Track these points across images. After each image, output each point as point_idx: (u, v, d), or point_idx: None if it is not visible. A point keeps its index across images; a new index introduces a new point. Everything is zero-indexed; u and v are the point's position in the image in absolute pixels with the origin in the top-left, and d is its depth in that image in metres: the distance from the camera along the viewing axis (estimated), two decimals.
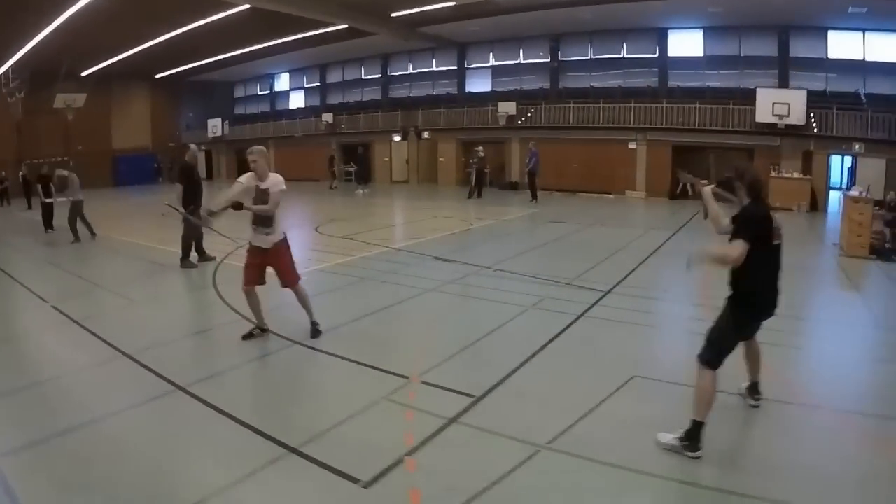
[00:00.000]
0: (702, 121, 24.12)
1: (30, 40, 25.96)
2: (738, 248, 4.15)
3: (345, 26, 26.38)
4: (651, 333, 7.55)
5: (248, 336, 7.00)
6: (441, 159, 31.70)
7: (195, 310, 9.23)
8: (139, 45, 29.54)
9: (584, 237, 14.92)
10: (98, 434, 4.82)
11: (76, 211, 15.14)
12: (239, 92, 46.49)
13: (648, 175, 25.66)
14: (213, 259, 11.81)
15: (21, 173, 28.21)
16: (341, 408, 5.19)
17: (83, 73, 34.68)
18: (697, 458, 4.15)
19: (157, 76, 40.02)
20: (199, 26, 25.84)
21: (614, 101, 26.55)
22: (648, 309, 8.46)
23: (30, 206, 26.06)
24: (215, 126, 40.15)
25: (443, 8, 24.14)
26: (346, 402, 5.34)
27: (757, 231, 4.21)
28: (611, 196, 25.28)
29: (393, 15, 25.78)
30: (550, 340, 6.92)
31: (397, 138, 32.62)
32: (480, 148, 25.51)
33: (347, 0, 24.05)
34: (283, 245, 6.70)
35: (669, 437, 4.29)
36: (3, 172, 30.04)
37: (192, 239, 11.56)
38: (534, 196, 22.23)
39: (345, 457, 4.32)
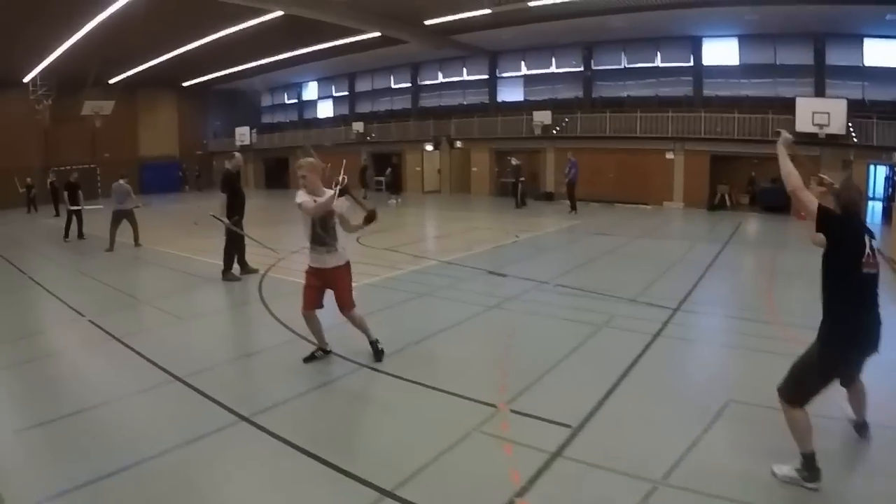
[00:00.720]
0: (740, 130, 23.44)
1: (58, 47, 25.82)
2: (810, 205, 3.87)
3: (377, 34, 26.05)
4: (735, 354, 6.88)
5: (310, 358, 6.43)
6: (474, 169, 31.08)
7: (245, 327, 8.57)
8: (167, 53, 29.34)
9: (633, 250, 14.22)
10: (157, 473, 4.20)
11: (130, 219, 14.97)
12: (266, 100, 46.03)
13: (686, 185, 25.01)
14: (255, 271, 11.21)
15: (49, 180, 27.65)
16: (430, 441, 4.61)
17: (110, 81, 34.50)
18: (815, 489, 3.80)
19: (184, 84, 39.73)
20: (228, 35, 25.58)
21: (650, 110, 25.93)
22: (724, 327, 8.01)
23: (57, 214, 25.76)
24: (243, 134, 39.83)
25: (478, 16, 23.61)
26: (433, 434, 4.76)
27: (836, 231, 3.81)
28: (648, 207, 24.57)
29: (427, 23, 25.32)
30: (634, 362, 6.34)
31: (429, 148, 32.01)
32: (515, 157, 24.47)
33: (381, 8, 23.74)
34: (346, 268, 6.19)
35: (786, 469, 3.93)
36: (30, 179, 29.66)
37: (235, 251, 10.96)
38: (573, 207, 21.55)
39: (450, 501, 3.78)
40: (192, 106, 42.44)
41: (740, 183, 24.90)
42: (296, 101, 43.60)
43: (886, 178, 24.18)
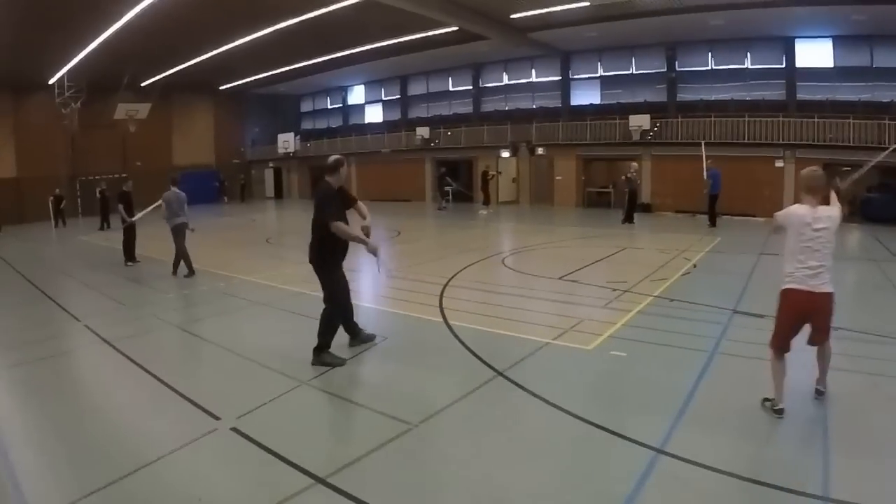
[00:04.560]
0: (855, 137, 21.09)
1: (87, 45, 23.35)
2: None
3: (453, 29, 23.62)
4: None
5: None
6: (558, 178, 28.15)
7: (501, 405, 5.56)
8: (204, 54, 26.77)
9: (851, 277, 11.60)
10: None
11: (180, 237, 12.17)
12: (306, 106, 43.06)
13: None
14: None
15: (99, 189, 25.10)
16: None
17: (142, 84, 31.71)
18: None
19: (221, 88, 36.70)
20: (268, 34, 23.46)
21: (758, 115, 23.47)
22: None
23: (103, 227, 23.55)
24: (287, 141, 36.58)
25: (574, 9, 21.10)
26: None
27: None
28: (760, 219, 21.57)
29: (513, 16, 22.79)
30: None
31: (506, 154, 28.54)
32: (635, 165, 21.75)
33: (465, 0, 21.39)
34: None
35: None
36: (59, 190, 26.35)
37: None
38: (713, 222, 19.19)
39: None
40: (228, 111, 39.51)
41: (852, 193, 21.95)
42: (340, 105, 40.51)
43: None
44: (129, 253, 13.99)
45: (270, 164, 41.26)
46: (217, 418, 5.09)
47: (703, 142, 20.49)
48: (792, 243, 4.85)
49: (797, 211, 4.84)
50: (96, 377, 6.61)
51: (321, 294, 6.46)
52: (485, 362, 6.41)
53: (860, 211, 21.31)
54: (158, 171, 34.81)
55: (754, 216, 22.15)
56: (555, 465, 4.35)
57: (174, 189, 12.09)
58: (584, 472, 4.25)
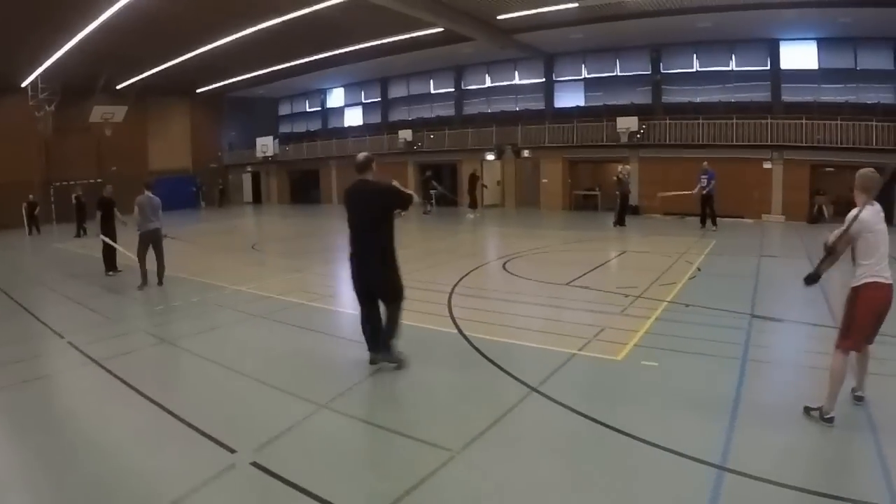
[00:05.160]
0: (843, 138, 21.21)
1: (61, 47, 22.49)
2: None
3: (438, 30, 23.26)
4: None
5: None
6: (544, 181, 27.92)
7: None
8: (186, 54, 25.91)
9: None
10: None
11: (157, 245, 11.55)
12: (284, 109, 42.21)
13: (785, 197, 22.70)
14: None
15: (75, 195, 23.98)
16: None
17: (118, 87, 30.80)
18: None
19: (199, 91, 35.71)
20: (247, 36, 22.92)
21: (748, 116, 23.50)
22: None
23: (79, 234, 22.56)
24: (265, 145, 35.73)
25: (561, 10, 20.93)
26: None
27: None
28: (749, 221, 22.12)
29: (500, 17, 22.45)
30: None
31: (490, 157, 28.08)
32: (628, 167, 21.90)
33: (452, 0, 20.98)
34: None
35: None
36: (32, 196, 25.42)
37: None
38: (713, 222, 18.86)
39: None
40: (205, 115, 38.58)
41: (837, 194, 22.13)
42: (319, 108, 39.78)
43: None
44: (111, 262, 13.27)
45: (248, 169, 40.43)
46: (232, 451, 4.52)
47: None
48: (864, 244, 4.75)
49: (864, 217, 4.70)
50: (87, 403, 5.86)
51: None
52: (515, 377, 5.96)
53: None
54: (134, 177, 33.72)
55: (743, 217, 22.22)
56: (622, 491, 3.95)
57: (147, 193, 11.36)
58: (654, 499, 3.85)
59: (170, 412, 5.29)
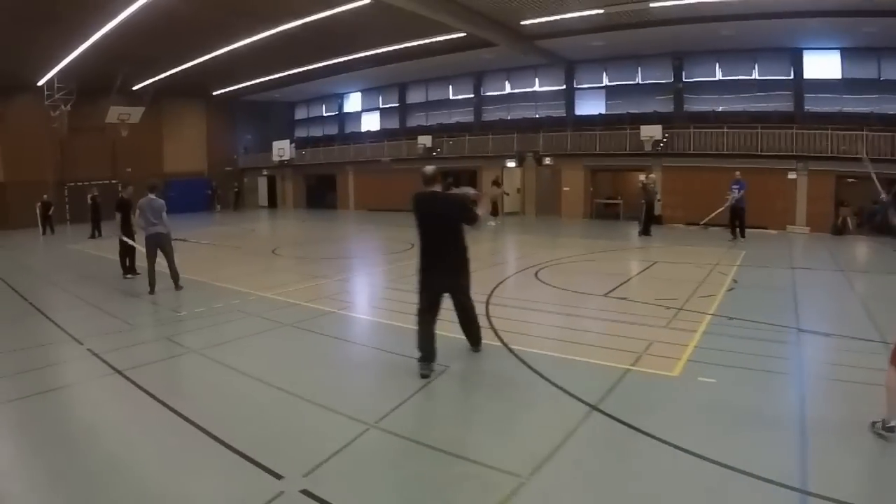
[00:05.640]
0: (869, 149, 20.57)
1: (78, 46, 22.21)
2: None
3: (461, 35, 22.97)
4: None
5: None
6: (565, 189, 27.49)
7: None
8: (203, 55, 25.59)
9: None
10: None
11: (166, 247, 11.07)
12: (300, 113, 42.04)
13: (809, 208, 22.32)
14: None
15: (91, 195, 23.48)
16: None
17: (134, 88, 30.71)
18: None
19: (215, 93, 35.66)
20: (264, 38, 22.55)
21: (770, 127, 23.08)
22: None
23: (94, 235, 22.24)
24: (282, 149, 35.33)
25: (588, 16, 20.64)
26: None
27: None
28: (773, 232, 21.66)
29: (524, 23, 22.05)
30: None
31: (511, 164, 27.62)
32: (652, 175, 21.49)
33: (475, 4, 20.65)
34: None
35: None
36: (46, 196, 25.16)
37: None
38: (742, 233, 18.43)
39: None
40: (221, 118, 38.47)
41: (859, 205, 21.83)
42: (335, 113, 39.49)
43: None
44: (129, 265, 12.86)
45: (264, 172, 40.14)
46: (279, 476, 4.11)
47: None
48: None
49: None
50: (112, 419, 5.35)
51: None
52: (571, 394, 5.62)
53: (866, 222, 20.73)
54: (149, 178, 33.72)
55: (766, 228, 21.77)
56: None
57: (149, 196, 10.85)
58: None
59: (205, 431, 4.87)
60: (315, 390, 5.83)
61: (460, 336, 6.93)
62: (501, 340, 7.44)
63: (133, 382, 6.06)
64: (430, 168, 6.26)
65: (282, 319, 8.81)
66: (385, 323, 8.48)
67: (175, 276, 11.05)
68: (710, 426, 4.95)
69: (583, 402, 5.41)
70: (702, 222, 20.10)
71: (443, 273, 6.14)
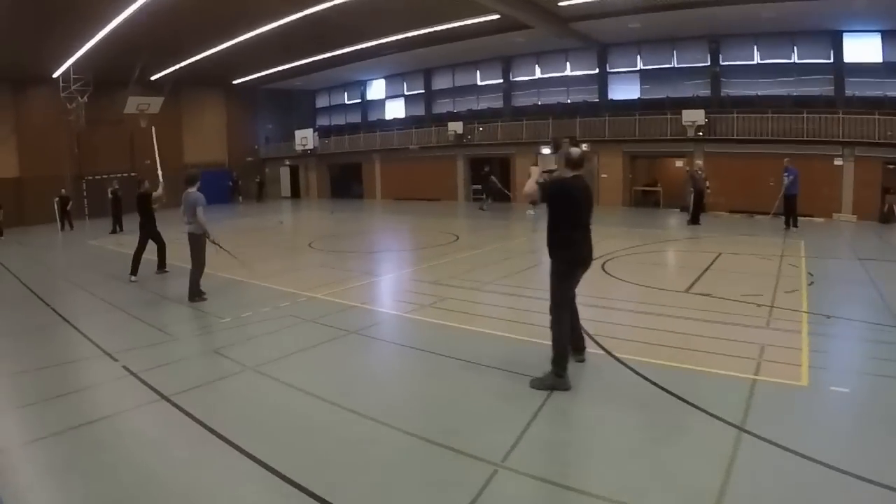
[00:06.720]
0: None
1: (94, 35, 21.56)
2: None
3: (495, 17, 22.25)
4: None
5: None
6: (603, 176, 26.57)
7: None
8: (222, 43, 24.94)
9: None
10: None
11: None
12: (322, 101, 41.06)
13: (856, 195, 21.54)
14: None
15: (112, 189, 22.97)
16: None
17: (152, 78, 30.15)
18: None
19: (235, 82, 34.88)
20: (284, 25, 21.96)
21: (815, 111, 22.20)
22: None
23: (115, 230, 21.61)
24: (305, 138, 34.37)
25: None
26: None
27: None
28: (819, 220, 20.93)
29: (561, 3, 21.31)
30: None
31: (546, 151, 26.25)
32: (700, 163, 20.71)
33: None
34: None
35: None
36: (64, 191, 24.35)
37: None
38: (794, 222, 17.71)
39: None
40: (241, 107, 37.69)
41: None
42: (358, 100, 38.47)
43: None
44: (136, 265, 11.85)
45: (287, 162, 39.22)
46: None
47: None
48: None
49: None
50: (166, 461, 4.37)
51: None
52: (710, 413, 4.96)
53: None
54: (169, 171, 32.79)
55: (812, 216, 20.95)
56: None
57: (188, 190, 9.67)
58: None
59: (283, 476, 3.98)
60: (409, 419, 4.96)
61: (539, 339, 6.24)
62: (602, 347, 6.74)
63: (185, 412, 5.05)
64: (576, 151, 5.64)
65: (343, 325, 7.80)
66: (464, 328, 7.52)
67: (191, 287, 9.70)
68: (870, 447, 4.36)
69: (727, 422, 4.79)
70: (773, 211, 18.98)
71: (588, 253, 5.81)
